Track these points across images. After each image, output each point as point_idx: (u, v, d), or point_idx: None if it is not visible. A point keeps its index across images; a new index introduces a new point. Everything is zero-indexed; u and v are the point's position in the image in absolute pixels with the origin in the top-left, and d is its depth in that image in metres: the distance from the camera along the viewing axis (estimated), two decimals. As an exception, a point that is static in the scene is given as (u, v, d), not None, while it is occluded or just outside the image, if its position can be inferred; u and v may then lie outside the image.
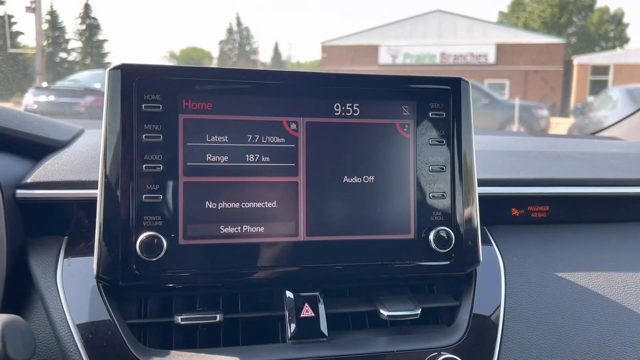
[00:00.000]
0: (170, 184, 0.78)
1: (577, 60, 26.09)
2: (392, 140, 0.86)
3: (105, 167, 0.77)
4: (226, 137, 0.81)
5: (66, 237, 0.89)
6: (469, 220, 0.87)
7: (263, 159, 0.82)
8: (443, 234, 0.85)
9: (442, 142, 0.87)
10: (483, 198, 0.94)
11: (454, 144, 0.88)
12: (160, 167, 0.78)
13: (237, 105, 0.81)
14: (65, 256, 0.85)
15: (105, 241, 0.76)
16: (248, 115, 0.82)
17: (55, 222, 0.91)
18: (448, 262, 0.86)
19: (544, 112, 12.73)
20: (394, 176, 0.86)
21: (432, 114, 0.87)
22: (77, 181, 0.89)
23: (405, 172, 0.86)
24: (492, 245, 0.99)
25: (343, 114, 0.85)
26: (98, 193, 0.77)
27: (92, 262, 0.77)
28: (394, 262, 0.85)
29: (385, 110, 0.86)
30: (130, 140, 0.77)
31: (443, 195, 0.87)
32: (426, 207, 0.87)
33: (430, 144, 0.87)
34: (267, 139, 0.82)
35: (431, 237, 0.85)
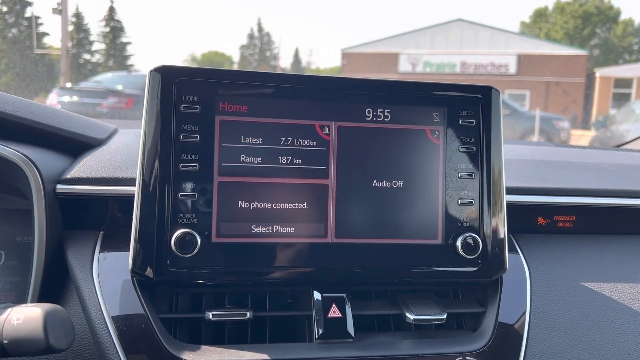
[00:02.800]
0: (206, 183, 0.80)
1: (599, 72, 25.78)
2: (422, 146, 0.87)
3: (143, 165, 0.79)
4: (260, 139, 0.82)
5: (102, 231, 0.92)
6: (496, 228, 0.88)
7: (295, 161, 0.83)
8: (470, 241, 0.86)
9: (472, 149, 0.88)
10: (510, 206, 0.95)
11: (483, 151, 0.89)
12: (196, 166, 0.80)
13: (272, 108, 0.83)
14: (101, 250, 0.88)
15: (141, 237, 0.79)
16: (282, 118, 0.84)
17: (93, 217, 0.93)
18: (475, 269, 0.87)
19: (565, 124, 12.61)
20: (423, 181, 0.87)
21: (462, 121, 0.88)
22: (114, 178, 0.92)
23: (434, 178, 0.88)
24: (518, 254, 1.00)
25: (374, 119, 0.86)
26: (136, 190, 0.79)
27: (127, 257, 0.80)
28: (420, 267, 0.86)
29: (416, 117, 0.88)
30: (168, 139, 0.79)
31: (471, 202, 0.88)
32: (454, 213, 0.88)
33: (459, 151, 0.88)
34: (300, 141, 0.84)
35: (458, 243, 0.86)
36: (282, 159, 0.83)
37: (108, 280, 0.83)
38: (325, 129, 0.85)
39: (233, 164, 0.82)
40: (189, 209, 0.80)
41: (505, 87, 24.66)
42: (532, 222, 1.08)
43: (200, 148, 0.80)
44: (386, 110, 0.87)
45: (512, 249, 1.00)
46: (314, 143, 0.84)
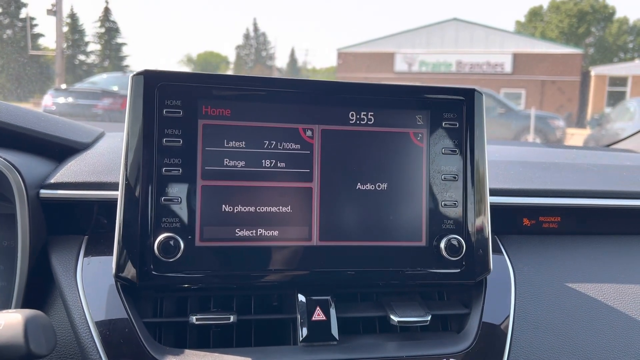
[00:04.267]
0: (189, 187, 0.80)
1: (594, 71, 25.87)
2: (405, 149, 0.87)
3: (126, 170, 0.79)
4: (244, 142, 0.83)
5: (86, 236, 0.92)
6: (480, 229, 0.89)
7: (279, 164, 0.84)
8: (454, 242, 0.86)
9: (455, 151, 0.89)
10: (495, 207, 0.95)
11: (466, 153, 0.89)
12: (179, 170, 0.80)
13: (255, 111, 0.83)
14: (85, 255, 0.88)
15: (124, 241, 0.79)
16: (265, 121, 0.84)
17: (77, 221, 0.93)
18: (459, 270, 0.88)
19: (560, 123, 12.62)
20: (406, 184, 0.87)
21: (445, 124, 0.89)
22: (98, 182, 0.92)
23: (418, 180, 0.88)
24: (503, 255, 1.00)
25: (358, 122, 0.87)
26: (119, 194, 0.80)
27: (111, 262, 0.80)
28: (405, 269, 0.87)
29: (399, 119, 0.88)
30: (151, 144, 0.79)
31: (455, 204, 0.88)
32: (438, 215, 0.88)
33: (443, 153, 0.88)
34: (283, 145, 0.84)
35: (442, 245, 0.86)
36: (265, 163, 0.83)
37: (92, 284, 0.83)
38: (309, 132, 0.85)
39: (216, 167, 0.82)
40: (172, 213, 0.80)
41: (500, 86, 24.71)
42: (517, 223, 1.09)
43: (183, 152, 0.80)
44: (369, 114, 0.87)
45: (497, 250, 1.01)
46: (298, 146, 0.84)
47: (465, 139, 0.89)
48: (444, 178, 0.88)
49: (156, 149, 0.80)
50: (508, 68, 26.40)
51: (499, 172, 1.11)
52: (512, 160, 1.21)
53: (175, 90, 0.81)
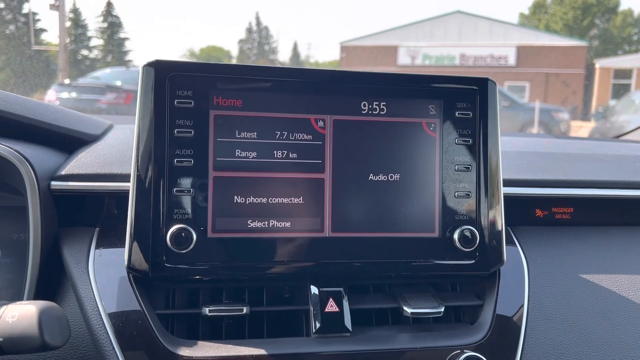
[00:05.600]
0: (201, 178, 0.80)
1: (599, 63, 25.72)
2: (418, 139, 0.87)
3: (137, 161, 0.79)
4: (255, 133, 0.82)
5: (98, 228, 0.91)
6: (494, 220, 0.88)
7: (290, 155, 0.83)
8: (467, 233, 0.86)
9: (468, 141, 0.88)
10: (507, 198, 0.95)
11: (480, 144, 0.88)
12: (191, 161, 0.80)
13: (267, 102, 0.83)
14: (97, 247, 0.87)
15: (137, 233, 0.78)
16: (277, 112, 0.83)
17: (88, 213, 0.93)
18: (472, 262, 0.87)
19: (565, 116, 12.55)
20: (419, 175, 0.87)
21: (458, 114, 0.88)
22: (109, 174, 0.91)
23: (431, 171, 0.87)
24: (516, 246, 0.99)
25: (370, 112, 0.86)
26: (130, 186, 0.79)
27: (123, 253, 0.79)
28: (417, 260, 0.86)
29: (412, 109, 0.87)
30: (162, 135, 0.79)
31: (468, 194, 0.88)
32: (451, 206, 0.87)
33: (456, 144, 0.88)
34: (295, 136, 0.83)
35: (455, 236, 0.86)
36: (277, 154, 0.83)
37: (104, 276, 0.83)
38: (321, 123, 0.84)
39: (228, 158, 0.81)
40: (184, 204, 0.80)
41: (504, 79, 24.61)
42: (530, 214, 1.08)
43: (194, 143, 0.80)
44: (382, 103, 0.86)
45: (510, 242, 1.00)
46: (310, 137, 0.84)
47: (478, 129, 0.88)
48: (457, 169, 0.88)
49: (167, 140, 0.79)
50: (512, 61, 26.28)
51: (512, 163, 1.10)
52: (524, 150, 1.20)
53: (186, 81, 0.80)
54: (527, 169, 1.09)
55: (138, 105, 0.80)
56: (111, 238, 0.89)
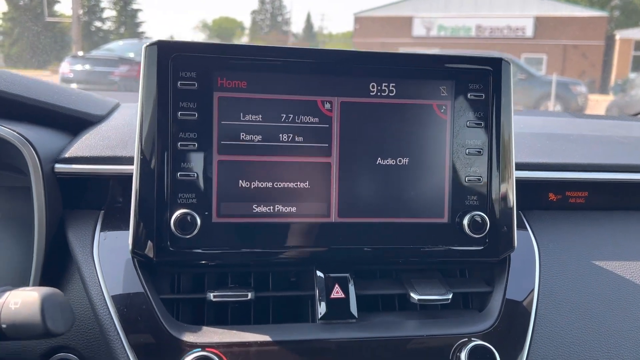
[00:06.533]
0: (205, 162, 0.78)
1: (619, 34, 25.10)
2: (428, 122, 0.84)
3: (140, 144, 0.77)
4: (260, 116, 0.80)
5: (102, 211, 0.90)
6: (505, 206, 0.86)
7: (296, 138, 0.81)
8: (478, 219, 0.84)
9: (480, 124, 0.85)
10: (519, 182, 0.92)
11: (492, 126, 0.85)
12: (195, 145, 0.78)
13: (272, 83, 0.80)
14: (102, 230, 0.87)
15: (141, 217, 0.77)
16: (282, 94, 0.81)
17: (93, 196, 0.92)
18: (482, 248, 0.85)
19: (582, 89, 12.33)
20: (429, 159, 0.84)
21: (470, 95, 0.85)
22: (113, 157, 0.90)
23: (441, 155, 0.85)
24: (528, 231, 0.97)
25: (379, 93, 0.83)
26: (134, 170, 0.78)
27: (128, 237, 0.78)
28: (426, 246, 0.84)
29: (422, 91, 0.84)
30: (165, 117, 0.77)
31: (479, 179, 0.85)
32: (461, 191, 0.85)
33: (467, 126, 0.85)
34: (301, 118, 0.81)
35: (465, 221, 0.84)
36: (283, 137, 0.81)
37: (109, 260, 0.83)
38: (328, 105, 0.82)
39: (233, 142, 0.80)
40: (188, 188, 0.78)
41: (521, 51, 24.15)
42: (543, 198, 1.05)
43: (198, 126, 0.78)
44: (391, 85, 0.84)
45: (522, 226, 0.98)
46: (316, 120, 0.82)
47: (491, 111, 0.85)
48: (469, 152, 0.85)
49: (171, 122, 0.77)
50: (529, 32, 25.75)
51: (524, 145, 1.07)
52: (537, 132, 1.16)
53: (189, 62, 0.78)
54: (541, 151, 1.06)
55: (141, 88, 0.78)
56: (116, 221, 0.88)
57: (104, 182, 0.92)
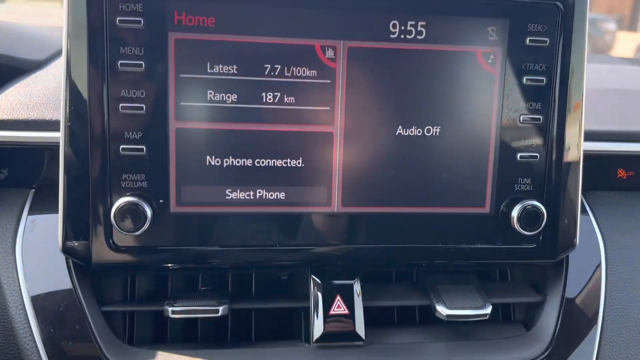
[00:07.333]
0: (157, 131, 0.60)
1: (653, -33, 23.80)
2: (469, 76, 0.64)
3: (67, 107, 0.58)
4: (235, 67, 0.61)
5: (33, 190, 0.72)
6: (569, 193, 0.66)
7: (286, 99, 0.62)
8: (531, 210, 0.65)
9: (542, 81, 0.65)
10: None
11: (556, 85, 0.65)
12: (142, 108, 0.59)
13: (251, 21, 0.60)
14: (30, 215, 0.68)
15: (71, 206, 0.60)
16: (266, 36, 0.61)
17: (19, 171, 0.72)
18: (534, 246, 0.67)
19: (611, 26, 11.82)
20: (468, 128, 0.65)
21: (530, 41, 0.64)
22: (41, 120, 0.69)
23: (485, 123, 0.65)
24: (590, 220, 0.77)
25: (402, 36, 0.62)
26: (60, 142, 0.58)
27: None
28: (459, 244, 0.66)
29: (461, 33, 0.63)
30: (100, 69, 0.58)
31: (536, 156, 0.65)
32: (510, 172, 0.66)
33: (524, 84, 0.64)
34: (293, 70, 0.61)
35: (514, 213, 0.65)
36: (267, 97, 0.62)
37: (35, 256, 0.66)
38: (330, 52, 0.62)
39: (196, 103, 0.61)
40: (135, 167, 0.61)
41: (547, -15, 23.04)
42: (611, 175, 0.84)
43: (147, 81, 0.59)
44: (419, 24, 0.62)
45: (581, 213, 0.76)
46: (314, 73, 0.62)
47: (557, 64, 0.65)
48: (523, 120, 0.65)
49: (108, 76, 0.59)
50: (557, -36, 24.51)
51: (589, 106, 0.83)
52: (605, 87, 0.92)
53: None
54: (609, 114, 0.84)
55: (65, 27, 0.58)
56: (50, 205, 0.68)
57: (32, 153, 0.71)
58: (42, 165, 0.72)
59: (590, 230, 0.75)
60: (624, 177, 0.82)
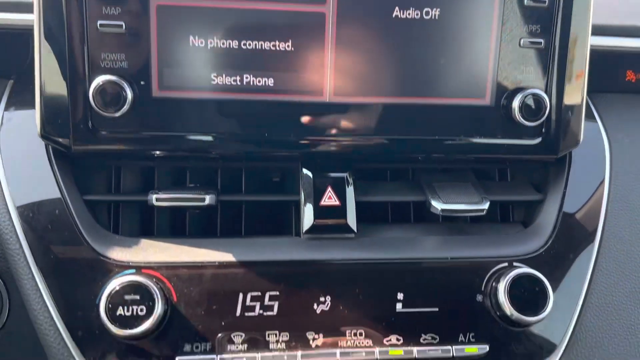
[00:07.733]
0: (138, 7, 0.56)
1: None
2: None
3: None
4: None
5: (12, 80, 0.69)
6: (574, 83, 0.62)
7: (274, -26, 0.55)
8: (533, 100, 0.61)
9: (548, -43, 0.59)
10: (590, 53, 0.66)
11: None
12: None
13: None
14: (8, 106, 0.66)
15: (48, 88, 0.56)
16: None
17: None
18: (536, 141, 0.64)
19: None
20: (468, 11, 0.60)
21: None
22: (16, 2, 0.64)
23: (487, 5, 0.60)
24: (595, 120, 0.75)
25: None
26: (34, 17, 0.55)
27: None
28: (458, 137, 0.63)
29: None
30: None
31: (539, 42, 0.61)
32: (512, 60, 0.62)
33: None
34: None
35: (515, 104, 0.62)
36: (254, -29, 0.55)
37: (14, 147, 0.63)
38: None
39: None
40: (115, 46, 0.57)
41: None
42: (619, 76, 0.81)
43: None
44: None
45: (587, 115, 0.73)
46: None
47: None
48: (527, 3, 0.60)
49: None
50: None
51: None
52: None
53: None
54: (620, 7, 0.79)
55: None
56: (29, 94, 0.65)
57: (9, 38, 0.67)
58: (19, 54, 0.68)
59: (595, 129, 0.72)
60: (633, 80, 0.79)
